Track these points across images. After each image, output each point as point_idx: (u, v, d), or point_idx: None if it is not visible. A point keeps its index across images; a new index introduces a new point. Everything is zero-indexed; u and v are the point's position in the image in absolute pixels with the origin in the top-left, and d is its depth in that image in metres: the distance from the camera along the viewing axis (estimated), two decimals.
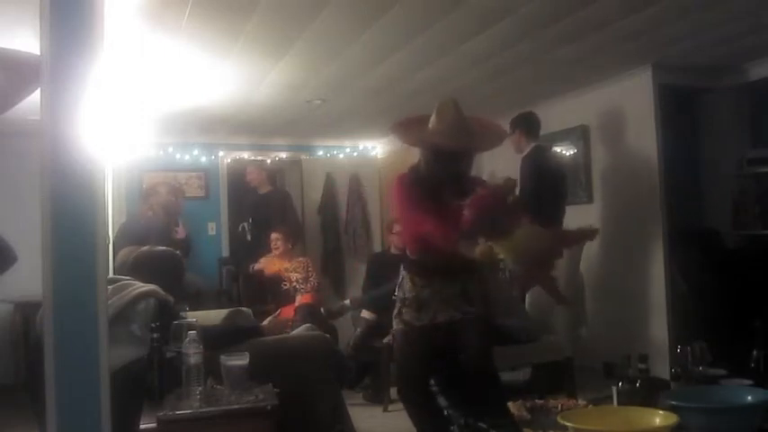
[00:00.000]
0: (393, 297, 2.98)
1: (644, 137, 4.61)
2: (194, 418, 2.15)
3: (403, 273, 2.95)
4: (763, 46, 4.17)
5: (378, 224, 7.06)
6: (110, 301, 2.41)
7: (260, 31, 3.45)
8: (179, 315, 2.66)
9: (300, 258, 5.67)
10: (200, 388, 2.23)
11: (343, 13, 3.25)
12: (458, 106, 2.76)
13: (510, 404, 2.49)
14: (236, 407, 2.21)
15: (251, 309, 3.89)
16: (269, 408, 2.20)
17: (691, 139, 5.01)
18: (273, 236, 5.57)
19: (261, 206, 6.17)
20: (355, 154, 7.25)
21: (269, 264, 5.57)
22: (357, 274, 5.88)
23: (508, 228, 2.33)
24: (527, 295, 4.00)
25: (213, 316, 3.48)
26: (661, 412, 1.65)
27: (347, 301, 5.18)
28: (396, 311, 2.92)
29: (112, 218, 5.63)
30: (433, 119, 2.80)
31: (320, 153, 7.18)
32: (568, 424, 1.61)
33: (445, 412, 2.93)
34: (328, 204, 7.04)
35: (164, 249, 3.14)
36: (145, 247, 3.07)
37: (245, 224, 6.30)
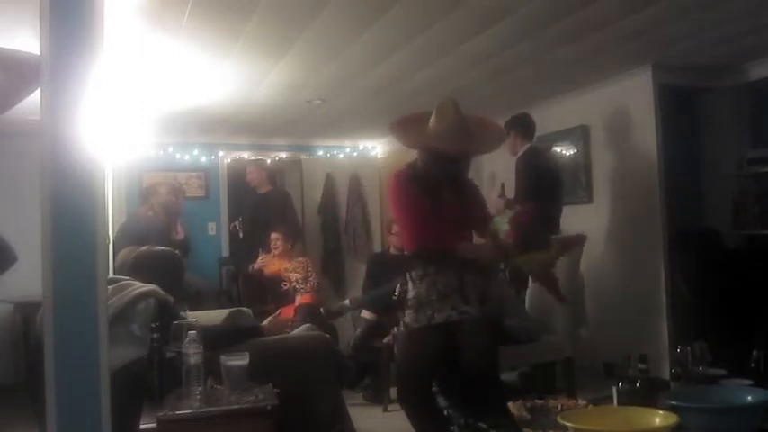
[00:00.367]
0: (393, 297, 2.98)
1: (644, 137, 4.61)
2: (194, 418, 2.15)
3: (404, 272, 2.96)
4: (763, 46, 4.17)
5: (378, 224, 7.05)
6: (110, 301, 2.41)
7: (260, 31, 3.45)
8: (179, 315, 2.66)
9: (300, 258, 5.67)
10: (200, 388, 2.23)
11: (343, 13, 3.25)
12: (457, 107, 2.75)
13: (510, 404, 2.49)
14: (236, 407, 2.21)
15: (251, 309, 3.89)
16: (269, 408, 2.20)
17: (691, 139, 5.01)
18: (273, 236, 5.57)
19: (260, 206, 6.17)
20: (355, 154, 7.26)
21: (269, 264, 5.57)
22: (357, 274, 5.88)
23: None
24: (527, 295, 4.00)
25: (213, 316, 3.48)
26: (661, 412, 1.65)
27: (347, 301, 5.18)
28: (400, 313, 2.94)
29: (112, 218, 5.64)
30: (432, 119, 2.78)
31: (320, 153, 7.19)
32: (568, 424, 1.60)
33: (445, 412, 2.93)
34: (328, 204, 7.04)
35: (163, 249, 3.14)
36: (144, 247, 3.06)
37: (237, 223, 6.30)
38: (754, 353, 2.25)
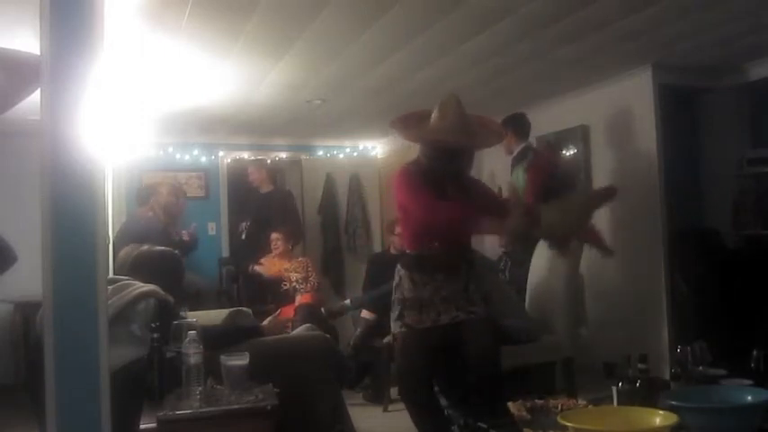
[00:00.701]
0: (393, 297, 2.97)
1: (644, 137, 4.61)
2: (194, 418, 2.15)
3: (401, 272, 2.92)
4: (763, 46, 4.17)
5: (378, 224, 7.06)
6: (110, 301, 2.41)
7: (260, 31, 3.45)
8: (179, 315, 2.66)
9: (300, 258, 5.67)
10: (200, 388, 2.23)
11: (343, 13, 3.25)
12: (460, 103, 2.77)
13: (510, 404, 2.49)
14: (236, 407, 2.21)
15: (251, 309, 3.89)
16: (269, 408, 2.20)
17: (691, 139, 5.01)
18: (273, 236, 5.57)
19: (263, 206, 6.16)
20: (355, 154, 7.26)
21: (269, 264, 5.56)
22: (357, 274, 5.88)
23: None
24: (527, 295, 4.00)
25: (213, 316, 3.48)
26: (661, 412, 1.65)
27: (347, 301, 5.18)
28: (396, 314, 2.90)
29: (112, 218, 5.63)
30: (434, 115, 2.79)
31: (320, 153, 7.18)
32: (568, 424, 1.60)
33: (445, 412, 2.94)
34: (328, 204, 7.04)
35: (163, 249, 3.13)
36: (144, 247, 3.06)
37: (245, 224, 6.29)
38: (754, 353, 2.25)
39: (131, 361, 2.39)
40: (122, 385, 1.90)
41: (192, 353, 2.22)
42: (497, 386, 2.75)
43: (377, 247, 6.76)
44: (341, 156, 7.20)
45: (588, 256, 4.22)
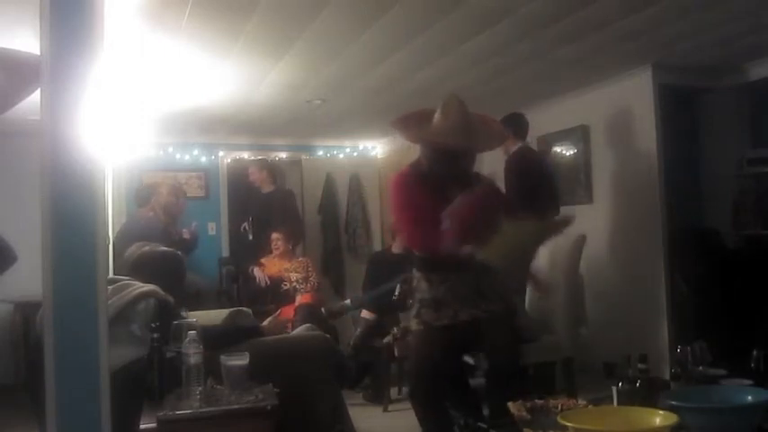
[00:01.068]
0: (393, 297, 2.97)
1: (644, 137, 4.61)
2: (194, 418, 2.15)
3: (417, 274, 2.93)
4: (763, 46, 4.17)
5: (378, 224, 7.06)
6: (110, 301, 2.41)
7: (260, 31, 3.45)
8: (179, 315, 2.66)
9: (300, 258, 5.67)
10: (200, 388, 2.23)
11: (343, 13, 3.25)
12: (462, 104, 2.76)
13: (510, 404, 2.49)
14: (236, 407, 2.21)
15: (251, 309, 3.89)
16: (269, 408, 2.20)
17: (691, 139, 5.01)
18: (274, 236, 5.56)
19: (264, 206, 6.14)
20: (355, 154, 7.26)
21: (269, 264, 5.56)
22: (357, 274, 5.88)
23: (490, 231, 2.46)
24: (527, 295, 3.99)
25: (213, 316, 3.48)
26: (661, 412, 1.65)
27: (347, 301, 5.18)
28: (414, 311, 2.91)
29: (112, 218, 5.63)
30: (437, 116, 2.78)
31: (320, 153, 7.19)
32: (568, 424, 1.60)
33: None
34: (328, 204, 7.04)
35: (165, 250, 3.13)
36: (147, 247, 3.06)
37: (246, 224, 6.28)
38: (754, 353, 2.25)
39: (131, 361, 2.39)
40: (122, 385, 1.90)
41: (192, 353, 2.22)
42: (514, 385, 2.73)
43: (377, 247, 6.76)
44: (341, 156, 7.20)
45: (588, 256, 4.22)
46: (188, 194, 6.05)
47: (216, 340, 2.53)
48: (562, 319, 3.74)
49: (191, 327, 2.31)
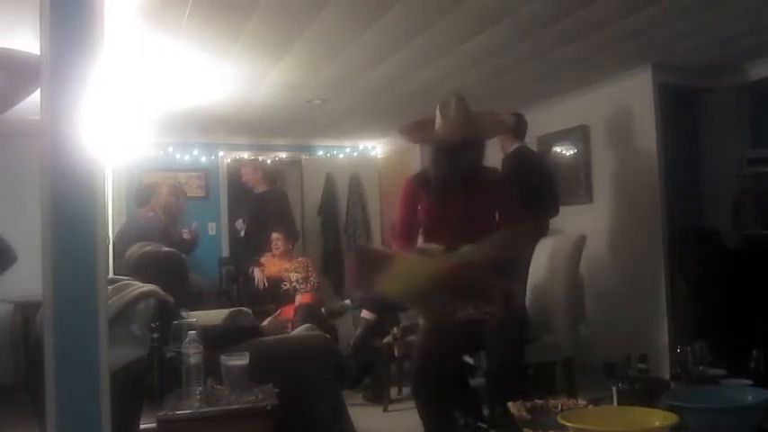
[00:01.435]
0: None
1: (644, 137, 4.61)
2: (194, 418, 2.15)
3: None
4: (763, 46, 4.17)
5: (378, 224, 7.06)
6: (110, 301, 2.41)
7: (260, 31, 3.45)
8: (179, 315, 2.66)
9: (300, 258, 5.67)
10: (200, 388, 2.23)
11: (343, 13, 3.25)
12: (461, 100, 2.81)
13: (510, 404, 2.49)
14: (236, 407, 2.21)
15: (251, 309, 3.89)
16: (269, 408, 2.20)
17: (691, 139, 5.01)
18: (274, 236, 5.56)
19: (256, 206, 6.12)
20: (355, 154, 7.26)
21: (269, 264, 5.56)
22: None
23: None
24: (527, 295, 3.99)
25: (213, 316, 3.48)
26: (661, 412, 1.65)
27: (347, 301, 5.17)
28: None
29: (112, 218, 5.63)
30: (437, 116, 2.84)
31: (320, 153, 7.19)
32: (568, 424, 1.60)
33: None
34: (328, 205, 7.04)
35: (167, 250, 3.12)
36: (148, 247, 3.06)
37: (241, 220, 6.27)
38: (754, 353, 2.25)
39: (131, 361, 2.39)
40: (122, 385, 1.90)
41: (192, 353, 2.22)
42: (514, 386, 2.74)
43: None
44: (341, 156, 7.20)
45: (588, 256, 4.22)
46: (188, 194, 6.06)
47: (216, 340, 2.53)
48: (562, 320, 3.74)
49: (191, 327, 2.31)
